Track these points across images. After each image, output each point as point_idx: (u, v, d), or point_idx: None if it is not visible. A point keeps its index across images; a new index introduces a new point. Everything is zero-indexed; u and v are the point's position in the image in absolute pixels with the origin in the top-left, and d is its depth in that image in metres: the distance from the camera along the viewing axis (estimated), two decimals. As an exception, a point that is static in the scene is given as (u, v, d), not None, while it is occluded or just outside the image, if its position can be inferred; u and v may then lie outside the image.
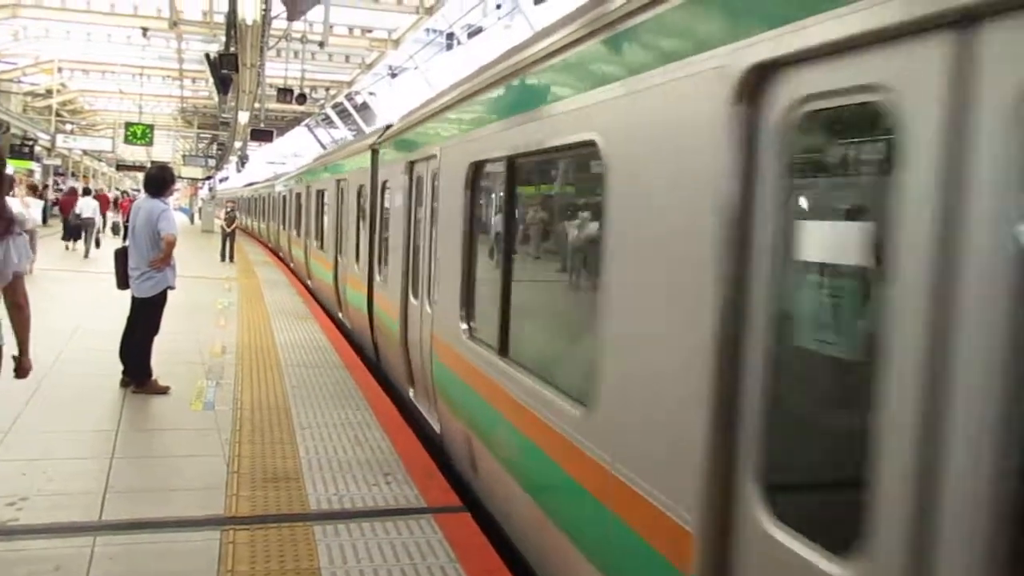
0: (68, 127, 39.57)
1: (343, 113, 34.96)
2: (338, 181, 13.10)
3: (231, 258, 22.23)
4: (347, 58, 26.26)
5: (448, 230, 6.07)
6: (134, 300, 7.44)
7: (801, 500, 2.46)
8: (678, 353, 2.72)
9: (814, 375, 2.50)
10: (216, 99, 26.60)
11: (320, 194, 15.72)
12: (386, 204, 9.25)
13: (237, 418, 6.64)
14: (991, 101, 1.69)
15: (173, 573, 4.01)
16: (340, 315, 12.59)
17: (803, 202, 2.49)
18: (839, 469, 2.34)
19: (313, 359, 9.35)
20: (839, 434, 2.37)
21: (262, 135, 29.62)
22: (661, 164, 2.91)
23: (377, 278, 9.46)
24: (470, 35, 21.20)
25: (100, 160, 52.41)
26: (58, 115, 36.99)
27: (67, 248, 21.80)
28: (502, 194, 5.08)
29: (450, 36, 21.96)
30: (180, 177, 41.53)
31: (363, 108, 33.46)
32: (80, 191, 24.79)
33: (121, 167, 46.28)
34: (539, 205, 5.13)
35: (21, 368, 4.18)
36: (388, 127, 9.80)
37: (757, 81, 2.36)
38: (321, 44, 19.82)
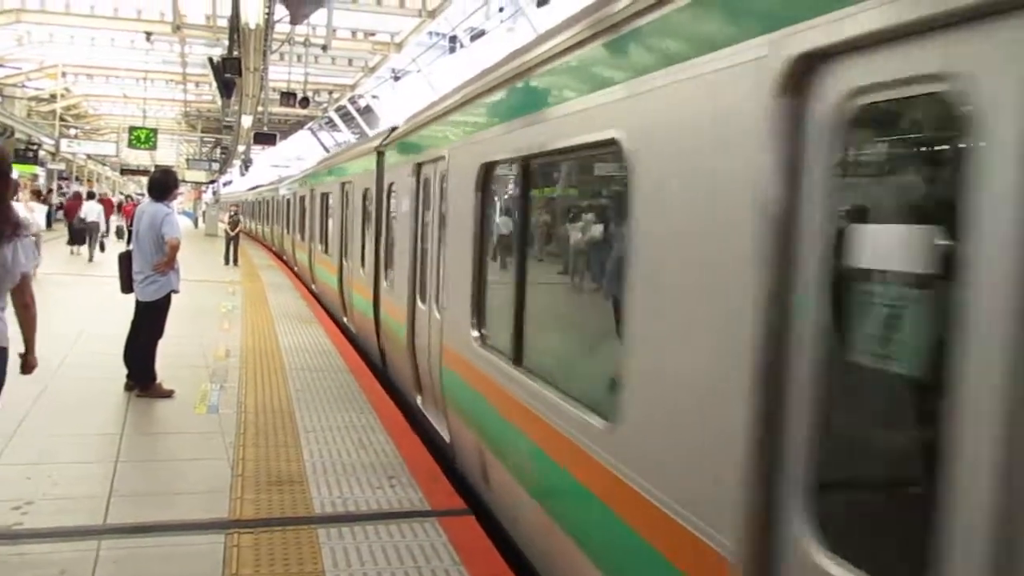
0: (72, 131, 39.68)
1: (346, 116, 35.03)
2: (343, 184, 13.01)
3: (235, 262, 22.26)
4: (350, 61, 26.32)
5: (458, 233, 5.88)
6: (138, 304, 7.44)
7: (856, 529, 2.23)
8: (713, 367, 2.54)
9: (870, 393, 2.28)
10: (219, 103, 26.69)
11: (324, 197, 15.65)
12: (392, 207, 9.09)
13: (241, 421, 6.64)
14: None
15: (177, 577, 4.02)
16: (345, 320, 12.49)
17: (856, 203, 2.27)
18: (901, 497, 2.18)
19: (317, 363, 9.35)
20: (901, 459, 2.20)
21: (265, 139, 29.74)
22: (694, 162, 2.71)
23: (383, 282, 9.32)
24: (473, 38, 21.23)
25: (104, 164, 52.55)
26: (62, 119, 37.11)
27: (72, 252, 21.86)
28: (516, 196, 4.91)
29: (453, 39, 21.99)
30: (184, 181, 41.69)
31: (366, 111, 33.54)
32: (85, 195, 24.87)
33: (125, 171, 46.36)
34: (555, 207, 4.94)
35: (27, 364, 4.30)
36: (394, 129, 9.66)
37: (804, 72, 2.19)
38: (324, 47, 19.88)
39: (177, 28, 19.73)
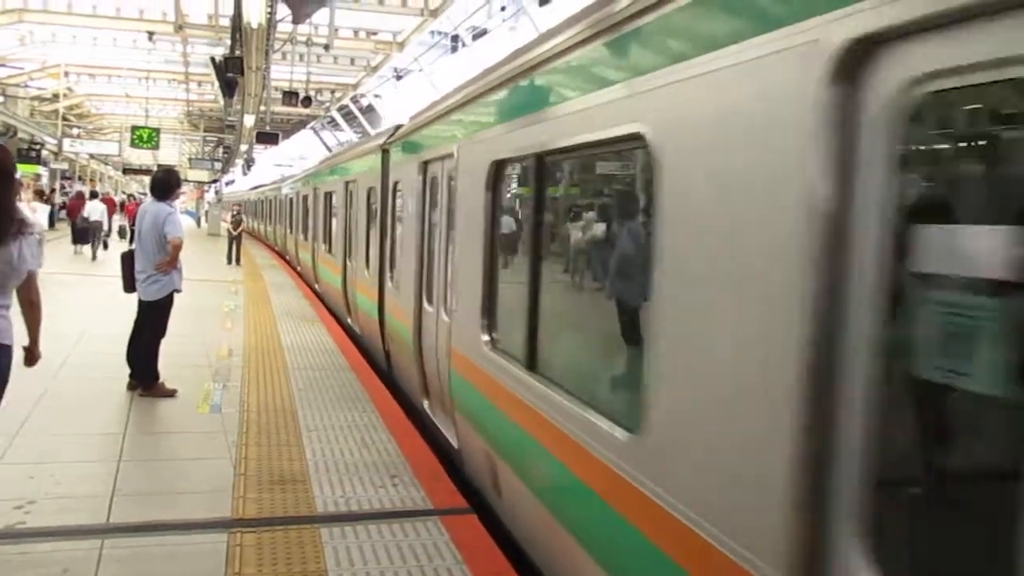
0: (75, 131, 39.73)
1: (348, 116, 35.07)
2: (347, 183, 12.91)
3: (237, 261, 22.26)
4: (352, 61, 26.34)
5: (467, 233, 5.67)
6: (141, 303, 7.45)
7: (919, 563, 2.05)
8: (753, 379, 2.35)
9: (934, 410, 2.09)
10: (222, 102, 26.68)
11: (328, 196, 15.52)
12: (398, 206, 8.94)
13: (244, 420, 6.64)
14: None
15: (180, 575, 4.03)
16: (349, 320, 12.36)
17: (918, 201, 2.07)
18: (972, 528, 1.97)
19: (319, 362, 9.35)
20: (973, 485, 2.03)
21: (268, 138, 29.77)
22: (730, 157, 2.52)
23: (388, 283, 9.16)
24: (475, 37, 21.24)
25: (107, 164, 52.62)
26: (65, 119, 37.18)
27: (76, 252, 21.90)
28: (530, 194, 4.68)
29: (455, 38, 22.01)
30: (186, 180, 41.75)
31: (368, 110, 33.59)
32: (87, 195, 24.92)
33: (128, 171, 46.43)
34: (572, 205, 4.71)
35: (31, 355, 4.42)
36: (399, 127, 9.50)
37: (860, 57, 2.00)
38: (326, 47, 19.87)
39: (179, 28, 19.75)
